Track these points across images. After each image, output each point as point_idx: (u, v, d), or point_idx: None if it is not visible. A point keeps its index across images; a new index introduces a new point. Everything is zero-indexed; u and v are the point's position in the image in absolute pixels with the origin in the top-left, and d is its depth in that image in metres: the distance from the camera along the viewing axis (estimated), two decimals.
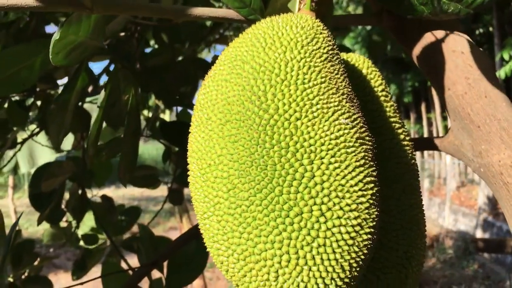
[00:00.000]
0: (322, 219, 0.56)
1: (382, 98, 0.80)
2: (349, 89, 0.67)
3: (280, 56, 0.63)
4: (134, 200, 15.07)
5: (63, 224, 2.47)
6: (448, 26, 0.84)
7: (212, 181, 0.60)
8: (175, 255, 1.34)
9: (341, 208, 0.56)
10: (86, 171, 1.80)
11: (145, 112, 3.35)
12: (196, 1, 1.92)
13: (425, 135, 17.05)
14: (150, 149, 23.21)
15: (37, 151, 3.27)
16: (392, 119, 0.79)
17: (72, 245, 2.52)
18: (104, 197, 2.26)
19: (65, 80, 1.80)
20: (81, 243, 2.52)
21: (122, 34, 1.87)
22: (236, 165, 0.58)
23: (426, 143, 0.93)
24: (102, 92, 1.25)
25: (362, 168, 0.59)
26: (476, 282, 7.54)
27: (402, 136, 0.79)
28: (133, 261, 1.72)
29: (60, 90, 1.97)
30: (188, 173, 0.66)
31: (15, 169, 3.79)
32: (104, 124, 1.41)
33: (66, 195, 2.02)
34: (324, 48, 0.66)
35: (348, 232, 0.56)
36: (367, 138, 0.64)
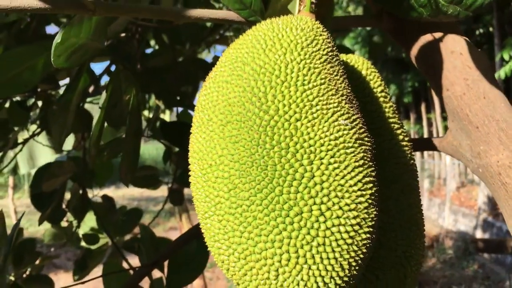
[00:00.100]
0: (321, 219, 0.56)
1: (381, 99, 0.81)
2: (349, 90, 0.68)
3: (280, 57, 0.64)
4: (134, 200, 15.08)
5: (63, 223, 2.47)
6: (447, 27, 0.85)
7: (213, 181, 0.61)
8: (175, 255, 1.35)
9: (340, 208, 0.57)
10: (87, 171, 1.81)
11: (145, 112, 3.36)
12: (196, 2, 1.92)
13: (425, 135, 17.05)
14: (150, 149, 23.21)
15: (36, 151, 3.28)
16: (391, 120, 0.80)
17: (73, 245, 2.53)
18: (105, 197, 2.27)
19: (66, 80, 1.81)
20: (82, 243, 2.52)
21: (123, 35, 1.87)
22: (237, 165, 0.59)
23: (425, 144, 0.94)
24: (104, 93, 1.26)
25: (361, 169, 0.60)
26: (476, 283, 7.55)
27: (401, 137, 0.80)
28: (134, 261, 1.72)
29: (61, 90, 1.97)
30: (189, 173, 0.67)
31: (14, 170, 3.80)
32: (105, 125, 1.42)
33: (67, 195, 2.03)
34: (323, 50, 0.67)
35: (347, 232, 0.57)
36: (366, 138, 0.64)
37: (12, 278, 1.94)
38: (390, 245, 0.75)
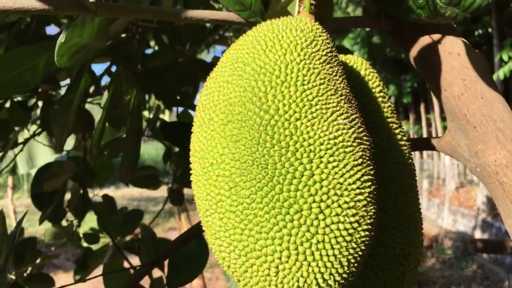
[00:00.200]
0: (321, 216, 0.57)
1: (380, 99, 0.82)
2: (348, 90, 0.69)
3: (280, 58, 0.64)
4: (133, 200, 15.07)
5: (64, 223, 2.48)
6: (445, 28, 0.86)
7: (214, 180, 0.62)
8: (175, 254, 1.36)
9: (339, 206, 0.58)
10: (88, 171, 1.81)
11: (146, 113, 3.36)
12: (196, 3, 1.93)
13: (424, 135, 17.06)
14: (150, 150, 23.20)
15: (35, 152, 3.28)
16: (389, 120, 0.81)
17: (73, 244, 2.54)
18: (105, 196, 2.28)
19: (67, 81, 1.82)
20: (83, 243, 2.53)
21: (124, 35, 1.88)
22: (238, 164, 0.60)
23: (424, 143, 0.95)
24: (106, 93, 1.27)
25: (360, 167, 0.61)
26: (475, 283, 7.55)
27: (399, 136, 0.81)
28: (134, 262, 1.73)
29: (61, 91, 1.98)
30: (191, 171, 0.68)
31: (13, 170, 3.80)
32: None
33: (68, 195, 2.03)
34: (323, 51, 0.68)
35: (346, 229, 0.58)
36: (365, 138, 0.65)
37: (13, 277, 1.94)
38: (388, 243, 0.75)
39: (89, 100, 2.20)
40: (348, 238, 0.58)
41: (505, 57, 9.25)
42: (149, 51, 2.51)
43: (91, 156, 1.41)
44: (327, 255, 0.57)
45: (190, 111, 2.38)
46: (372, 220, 0.61)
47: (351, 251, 0.58)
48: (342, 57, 0.84)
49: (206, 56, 6.21)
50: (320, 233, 0.57)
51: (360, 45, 15.68)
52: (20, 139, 2.27)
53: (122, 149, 1.69)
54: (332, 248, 0.57)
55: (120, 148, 1.83)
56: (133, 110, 1.32)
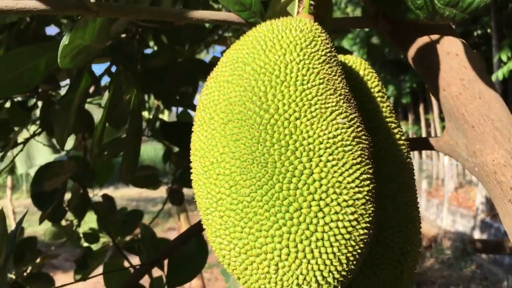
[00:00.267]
0: (320, 214, 0.58)
1: (379, 99, 0.82)
2: (347, 90, 0.69)
3: (280, 58, 0.65)
4: (132, 200, 15.05)
5: (63, 223, 2.48)
6: (443, 29, 0.87)
7: (215, 178, 0.62)
8: (175, 254, 1.36)
9: (338, 204, 0.59)
10: (88, 171, 1.82)
11: (145, 113, 3.36)
12: (196, 3, 1.94)
13: (423, 136, 17.06)
14: (149, 150, 23.15)
15: (34, 151, 3.28)
16: (388, 119, 0.81)
17: (73, 244, 2.54)
18: (105, 196, 2.28)
19: (67, 81, 1.82)
20: (83, 242, 2.53)
21: (123, 35, 1.88)
22: (238, 162, 0.60)
23: (422, 143, 0.95)
24: (106, 93, 1.27)
25: (358, 166, 0.61)
26: (474, 283, 7.56)
27: (397, 136, 0.81)
28: (134, 262, 1.73)
29: (61, 91, 1.99)
30: (191, 170, 0.68)
31: (12, 169, 3.79)
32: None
33: (68, 195, 2.04)
34: (322, 51, 0.68)
35: (345, 227, 0.58)
36: (364, 137, 0.66)
37: (13, 276, 1.95)
38: (387, 242, 0.76)
39: (89, 100, 2.21)
40: (347, 236, 0.58)
41: (504, 58, 9.27)
42: (148, 51, 2.51)
43: (92, 156, 1.41)
44: (326, 252, 0.57)
45: (190, 111, 2.38)
46: (370, 219, 0.61)
47: (350, 249, 0.59)
48: (341, 57, 0.85)
49: (205, 56, 6.21)
50: (319, 231, 0.57)
51: (359, 46, 15.68)
52: (20, 139, 2.27)
53: (122, 149, 1.70)
54: (331, 246, 0.58)
55: (120, 148, 1.83)
56: (133, 110, 1.33)
